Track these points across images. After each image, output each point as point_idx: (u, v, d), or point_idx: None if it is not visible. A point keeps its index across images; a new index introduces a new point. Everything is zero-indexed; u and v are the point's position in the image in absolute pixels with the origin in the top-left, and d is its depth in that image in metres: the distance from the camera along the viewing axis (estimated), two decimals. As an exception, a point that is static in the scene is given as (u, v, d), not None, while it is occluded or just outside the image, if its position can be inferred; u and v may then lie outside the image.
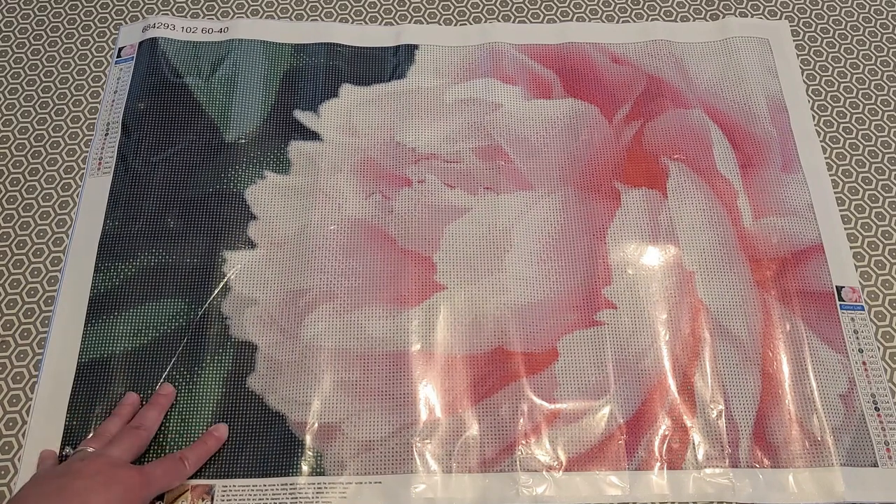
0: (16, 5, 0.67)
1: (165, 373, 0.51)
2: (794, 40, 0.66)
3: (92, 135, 0.61)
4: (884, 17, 0.68)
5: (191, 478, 0.48)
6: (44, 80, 0.63)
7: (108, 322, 0.53)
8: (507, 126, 0.61)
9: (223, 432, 0.49)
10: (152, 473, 0.44)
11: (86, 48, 0.65)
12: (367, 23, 0.67)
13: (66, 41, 0.65)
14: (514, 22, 0.67)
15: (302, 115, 0.61)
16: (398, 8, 0.67)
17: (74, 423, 0.50)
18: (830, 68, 0.65)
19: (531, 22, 0.67)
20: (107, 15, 0.67)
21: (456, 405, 0.51)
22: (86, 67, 0.64)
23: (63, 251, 0.56)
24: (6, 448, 0.50)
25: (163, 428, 0.49)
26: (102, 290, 0.54)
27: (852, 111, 0.63)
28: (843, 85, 0.64)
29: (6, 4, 0.67)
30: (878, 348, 0.53)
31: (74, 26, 0.66)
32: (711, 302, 0.54)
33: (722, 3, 0.68)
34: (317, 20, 0.66)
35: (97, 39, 0.65)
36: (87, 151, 0.60)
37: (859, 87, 0.64)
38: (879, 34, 0.67)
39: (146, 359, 0.52)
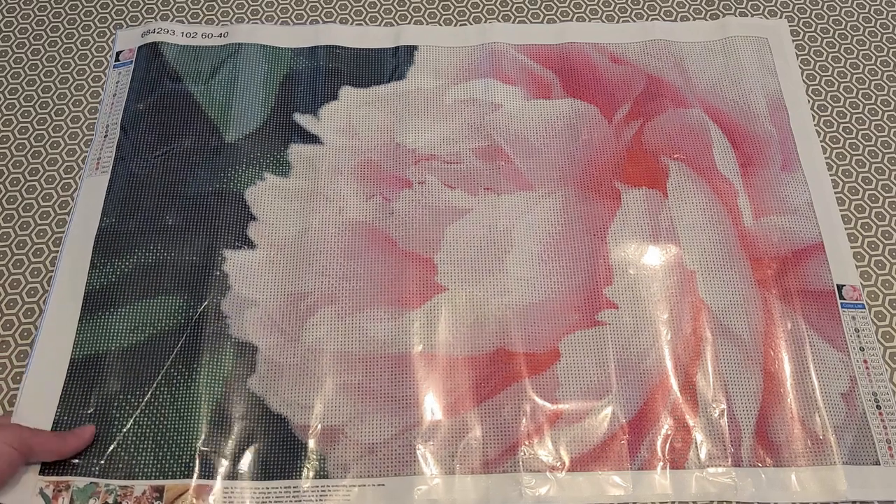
0: (16, 5, 0.67)
1: (164, 369, 0.51)
2: (793, 40, 0.66)
3: (92, 134, 0.61)
4: (884, 16, 0.68)
5: (190, 476, 0.48)
6: (44, 80, 0.63)
7: (105, 318, 0.53)
8: (506, 126, 0.61)
9: (88, 435, 0.48)
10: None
11: (85, 48, 0.65)
12: (367, 23, 0.67)
13: (66, 41, 0.65)
14: (513, 22, 0.67)
15: (301, 119, 0.61)
16: (398, 8, 0.67)
17: (65, 417, 0.49)
18: (830, 68, 0.65)
19: (531, 22, 0.67)
20: (106, 15, 0.67)
21: (458, 406, 0.51)
22: (86, 67, 0.64)
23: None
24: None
25: (160, 425, 0.49)
26: (98, 286, 0.54)
27: (852, 111, 0.63)
28: (843, 85, 0.64)
29: (6, 4, 0.67)
30: (879, 348, 0.53)
31: (74, 26, 0.66)
32: (713, 301, 0.54)
33: (721, 3, 0.68)
34: (317, 21, 0.66)
35: (97, 39, 0.65)
36: (87, 151, 0.60)
37: (859, 87, 0.64)
38: (879, 34, 0.67)
39: (144, 355, 0.52)
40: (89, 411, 0.50)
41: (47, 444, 0.46)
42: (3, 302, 0.54)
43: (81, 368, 0.51)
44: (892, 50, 0.66)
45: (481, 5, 0.68)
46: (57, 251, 0.56)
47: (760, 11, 0.68)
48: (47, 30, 0.66)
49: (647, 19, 0.67)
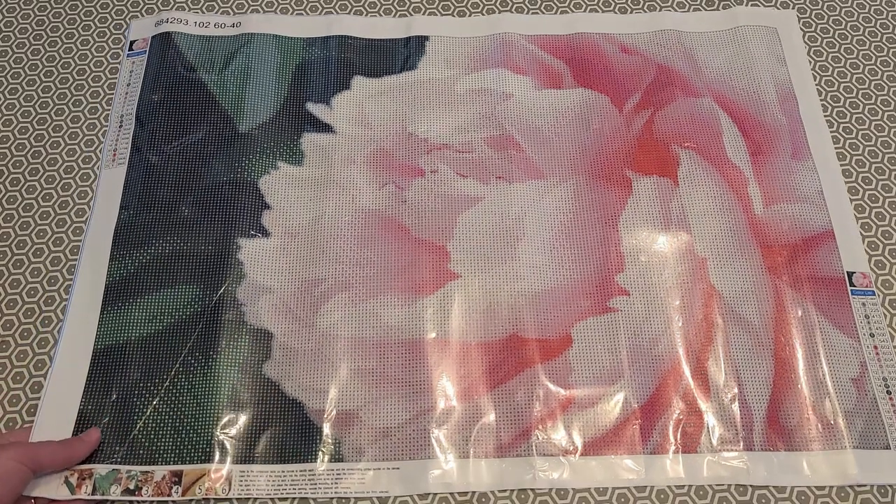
0: (16, 5, 0.67)
1: (181, 358, 0.52)
2: (803, 30, 0.67)
3: (92, 134, 0.61)
4: (895, 8, 0.68)
5: (207, 461, 0.48)
6: (44, 80, 0.64)
7: (125, 309, 0.54)
8: (518, 116, 0.61)
9: (94, 439, 0.49)
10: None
11: (85, 48, 0.65)
12: (380, 15, 0.67)
13: (66, 41, 0.65)
14: (525, 13, 0.67)
15: (314, 108, 0.61)
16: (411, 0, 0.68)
17: (89, 407, 0.50)
18: (843, 59, 0.65)
19: (543, 13, 0.67)
20: (107, 15, 0.67)
21: (472, 392, 0.51)
22: (85, 67, 0.64)
23: (63, 251, 0.56)
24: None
25: (178, 411, 0.50)
26: (118, 278, 0.55)
27: (865, 102, 0.63)
28: (854, 75, 0.64)
29: (6, 5, 0.67)
30: (890, 334, 0.54)
31: (74, 26, 0.66)
32: (724, 288, 0.55)
33: (730, -7, 0.69)
34: (330, 12, 0.67)
35: (97, 39, 0.65)
36: (87, 151, 0.60)
37: (871, 77, 0.64)
38: (891, 25, 0.67)
39: (162, 344, 0.52)
40: (112, 399, 0.50)
41: (55, 455, 0.46)
42: (3, 302, 0.55)
43: (104, 359, 0.52)
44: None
45: (493, -5, 0.68)
46: (57, 251, 0.56)
47: (772, 4, 0.68)
48: (47, 29, 0.66)
49: (657, 10, 0.67)
